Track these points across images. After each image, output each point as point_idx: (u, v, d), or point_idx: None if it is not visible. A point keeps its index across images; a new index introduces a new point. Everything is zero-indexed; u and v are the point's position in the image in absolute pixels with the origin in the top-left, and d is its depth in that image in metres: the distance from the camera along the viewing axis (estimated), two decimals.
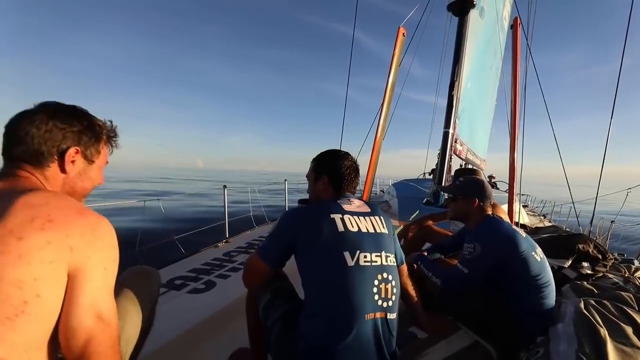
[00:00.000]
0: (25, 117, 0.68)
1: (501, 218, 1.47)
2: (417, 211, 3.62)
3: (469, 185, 1.59)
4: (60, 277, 0.58)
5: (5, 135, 0.69)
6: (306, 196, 1.37)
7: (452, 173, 5.04)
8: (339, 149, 1.31)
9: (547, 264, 1.37)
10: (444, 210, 3.53)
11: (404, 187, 5.92)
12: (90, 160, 0.78)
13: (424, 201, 4.41)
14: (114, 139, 0.85)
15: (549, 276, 1.34)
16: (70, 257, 0.58)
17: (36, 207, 0.57)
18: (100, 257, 0.62)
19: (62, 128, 0.71)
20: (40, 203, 0.58)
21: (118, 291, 0.88)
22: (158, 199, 3.06)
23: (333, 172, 1.21)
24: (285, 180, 5.36)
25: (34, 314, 0.54)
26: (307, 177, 1.31)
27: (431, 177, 8.16)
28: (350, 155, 1.27)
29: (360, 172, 1.28)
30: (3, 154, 0.70)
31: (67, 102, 0.79)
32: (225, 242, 3.24)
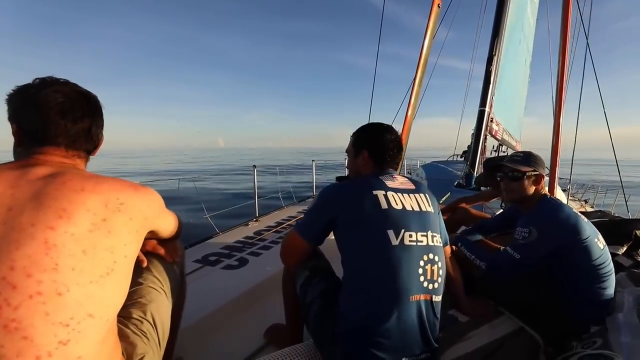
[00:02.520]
0: (89, 116, 0.76)
1: (559, 200, 1.35)
2: (448, 194, 3.50)
3: (535, 159, 1.38)
4: (141, 238, 0.74)
5: (49, 119, 0.71)
6: (339, 174, 1.32)
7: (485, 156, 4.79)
8: (381, 122, 1.22)
9: (609, 251, 1.26)
10: (478, 192, 3.38)
11: (434, 169, 5.73)
12: None
13: (455, 184, 4.24)
14: None
15: (610, 265, 1.24)
16: (146, 223, 0.75)
17: (106, 192, 0.66)
18: (157, 211, 0.81)
19: (101, 115, 0.82)
20: (107, 189, 0.67)
21: (144, 270, 0.92)
22: (192, 179, 3.15)
23: (373, 145, 1.15)
24: (313, 161, 5.34)
25: (120, 271, 0.66)
26: (346, 152, 1.26)
27: (462, 159, 7.84)
28: (393, 128, 1.20)
29: None
30: (38, 137, 0.72)
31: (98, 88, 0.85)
32: (256, 221, 3.29)
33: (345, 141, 1.29)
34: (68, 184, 0.63)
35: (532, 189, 1.38)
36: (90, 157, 0.83)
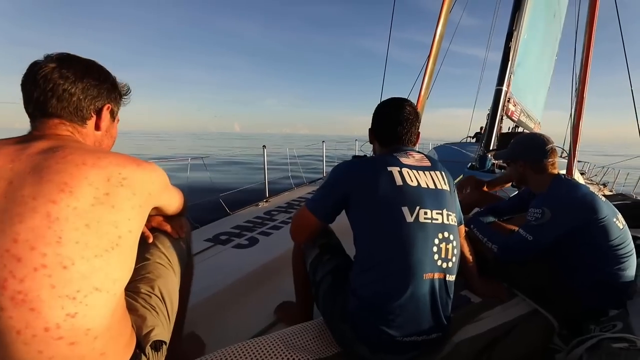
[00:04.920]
0: (56, 72, 0.69)
1: (574, 179, 1.30)
2: (461, 176, 3.43)
3: (515, 146, 1.45)
4: (145, 214, 0.73)
5: (39, 90, 0.69)
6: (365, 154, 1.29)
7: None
8: (391, 98, 1.16)
9: (629, 232, 1.21)
10: (493, 175, 3.30)
11: (446, 151, 5.62)
12: (114, 118, 0.84)
13: (468, 165, 4.15)
14: (125, 96, 0.88)
15: (631, 246, 1.19)
16: (150, 198, 0.73)
17: (108, 167, 0.64)
18: (161, 187, 0.78)
19: (96, 85, 0.75)
20: (109, 164, 0.65)
21: (151, 247, 0.91)
22: (202, 158, 3.15)
23: (375, 124, 1.13)
24: (323, 142, 5.29)
25: (125, 246, 0.65)
26: None
27: (475, 140, 7.65)
28: (401, 101, 1.12)
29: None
30: (35, 110, 0.71)
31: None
32: (266, 201, 3.30)
33: (363, 131, 1.28)
34: (68, 157, 0.62)
35: (522, 173, 1.42)
36: (97, 132, 0.79)
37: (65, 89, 0.70)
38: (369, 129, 1.18)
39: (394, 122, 1.09)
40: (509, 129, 6.58)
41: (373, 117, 1.16)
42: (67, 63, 0.71)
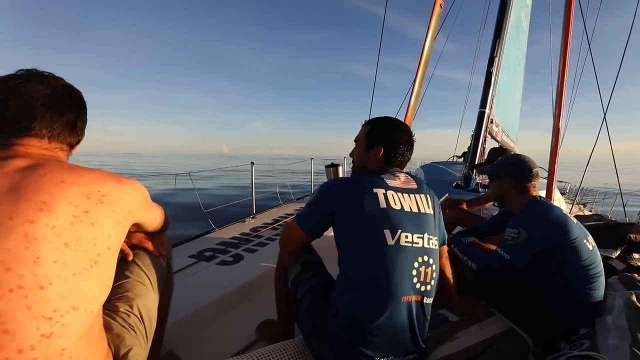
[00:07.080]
0: (75, 110, 0.77)
1: (549, 201, 1.36)
2: (447, 194, 3.50)
3: (503, 163, 1.50)
4: (125, 230, 0.73)
5: (61, 123, 0.74)
6: (332, 161, 1.31)
7: (486, 156, 4.80)
8: (398, 119, 1.21)
9: (599, 253, 1.27)
10: (478, 195, 3.39)
11: (433, 170, 5.72)
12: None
13: (453, 184, 4.24)
14: None
15: (600, 267, 1.24)
16: (130, 215, 0.74)
17: (87, 184, 0.65)
18: (141, 203, 0.79)
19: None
20: (89, 181, 0.65)
21: (131, 264, 0.91)
22: (189, 173, 3.14)
23: (391, 144, 1.12)
24: (312, 159, 5.34)
25: (104, 263, 0.65)
26: (355, 141, 1.24)
27: (461, 160, 7.83)
28: (408, 127, 1.19)
29: None
30: (10, 128, 0.70)
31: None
32: (252, 217, 3.29)
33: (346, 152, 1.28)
34: (48, 175, 0.61)
35: (505, 191, 1.46)
36: (73, 151, 0.81)
37: (82, 128, 0.78)
38: (365, 141, 1.17)
39: (400, 146, 1.13)
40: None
41: (380, 134, 1.15)
42: (63, 88, 0.74)
